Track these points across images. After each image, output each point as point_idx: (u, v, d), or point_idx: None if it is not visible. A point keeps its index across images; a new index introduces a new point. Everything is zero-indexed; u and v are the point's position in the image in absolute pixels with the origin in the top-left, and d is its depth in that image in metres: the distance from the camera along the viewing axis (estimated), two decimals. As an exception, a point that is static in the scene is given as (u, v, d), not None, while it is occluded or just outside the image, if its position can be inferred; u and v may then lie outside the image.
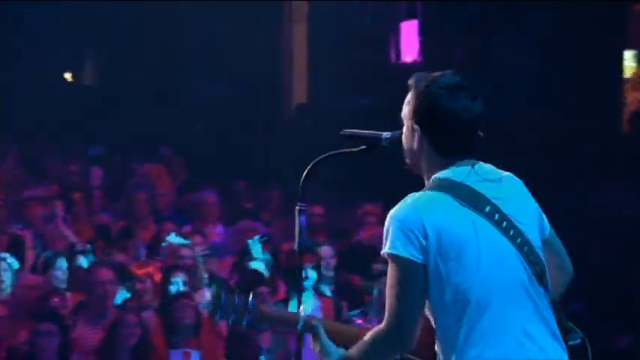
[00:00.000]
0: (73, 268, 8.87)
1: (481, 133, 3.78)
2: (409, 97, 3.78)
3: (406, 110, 3.80)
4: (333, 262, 8.95)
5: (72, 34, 15.50)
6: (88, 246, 9.26)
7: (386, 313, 3.68)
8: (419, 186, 3.79)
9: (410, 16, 13.01)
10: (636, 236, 10.71)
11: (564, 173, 11.38)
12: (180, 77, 15.47)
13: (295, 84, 15.62)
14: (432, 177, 3.74)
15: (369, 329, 3.81)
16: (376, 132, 4.06)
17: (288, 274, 8.74)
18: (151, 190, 10.99)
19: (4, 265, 8.76)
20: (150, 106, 14.66)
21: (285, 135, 14.13)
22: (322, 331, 3.91)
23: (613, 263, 10.63)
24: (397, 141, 3.92)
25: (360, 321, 7.96)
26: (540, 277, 3.67)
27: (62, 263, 8.83)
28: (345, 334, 3.95)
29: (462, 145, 3.74)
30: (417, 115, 3.73)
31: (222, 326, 8.39)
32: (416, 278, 3.61)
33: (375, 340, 3.73)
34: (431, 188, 3.71)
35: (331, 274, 8.93)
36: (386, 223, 3.68)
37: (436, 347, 3.73)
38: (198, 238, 9.24)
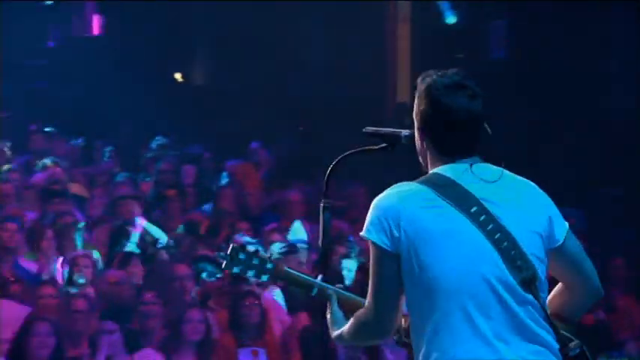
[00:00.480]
0: (153, 264, 9.02)
1: (489, 130, 3.75)
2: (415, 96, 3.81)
3: (413, 110, 3.82)
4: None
5: (182, 35, 15.76)
6: (171, 242, 9.41)
7: (367, 298, 3.76)
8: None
9: (498, 16, 12.92)
10: None
11: None
12: (288, 77, 15.56)
13: (399, 83, 15.62)
14: (431, 172, 3.75)
15: None
16: (396, 130, 4.12)
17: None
18: (239, 188, 11.08)
19: (87, 260, 8.95)
20: (256, 106, 14.79)
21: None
22: (335, 300, 4.06)
23: None
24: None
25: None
26: (527, 283, 3.60)
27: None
28: (356, 306, 3.96)
29: (461, 144, 3.73)
30: (419, 114, 3.76)
31: (299, 322, 8.46)
32: (387, 265, 3.65)
33: (357, 324, 3.84)
34: (419, 181, 3.71)
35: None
36: (370, 209, 3.72)
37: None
38: (276, 237, 9.29)
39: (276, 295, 8.81)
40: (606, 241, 10.64)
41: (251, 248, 4.22)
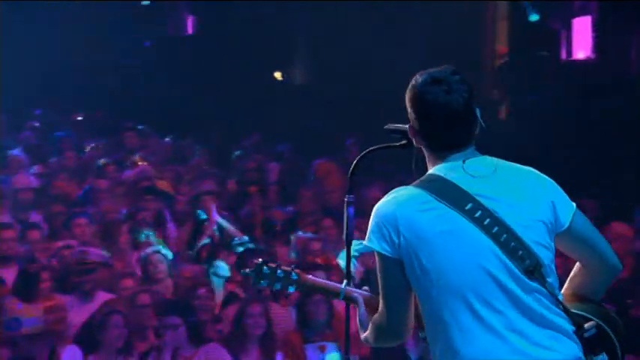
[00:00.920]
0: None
1: (482, 123, 3.76)
2: None
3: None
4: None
5: (282, 34, 15.92)
6: (245, 238, 9.51)
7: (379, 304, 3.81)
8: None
9: (583, 12, 12.71)
10: None
11: None
12: (383, 77, 15.56)
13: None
14: (427, 173, 3.76)
15: None
16: None
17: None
18: (321, 186, 11.13)
19: (159, 256, 9.13)
20: (353, 106, 14.87)
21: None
22: (361, 303, 4.09)
23: None
24: None
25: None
26: (531, 272, 3.60)
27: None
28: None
29: (449, 140, 3.72)
30: (410, 114, 3.78)
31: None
32: (392, 271, 3.67)
33: (374, 329, 3.89)
34: (414, 185, 3.72)
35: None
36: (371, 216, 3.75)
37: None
38: (356, 234, 9.27)
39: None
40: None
41: (273, 263, 4.28)
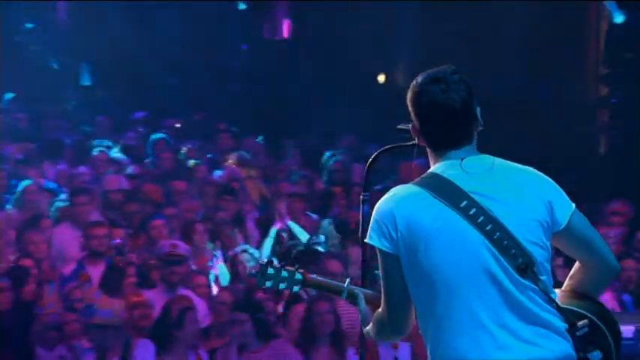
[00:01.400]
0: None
1: (481, 122, 3.85)
2: None
3: None
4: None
5: (385, 35, 16.00)
6: (322, 237, 9.66)
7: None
8: None
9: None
10: None
11: None
12: (488, 79, 15.52)
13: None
14: (427, 171, 3.86)
15: None
16: None
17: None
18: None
19: (246, 256, 9.34)
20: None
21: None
22: (362, 299, 4.23)
23: None
24: None
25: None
26: (524, 269, 3.67)
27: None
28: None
29: (448, 138, 3.81)
30: (411, 113, 3.89)
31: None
32: (392, 266, 3.78)
33: (376, 324, 4.00)
34: (414, 183, 3.82)
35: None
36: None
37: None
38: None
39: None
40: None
41: (277, 263, 4.43)
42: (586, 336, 3.81)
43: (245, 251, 9.44)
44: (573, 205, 3.82)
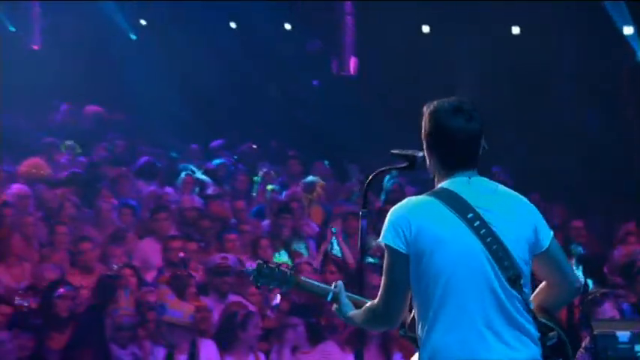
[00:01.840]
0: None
1: (485, 146, 4.38)
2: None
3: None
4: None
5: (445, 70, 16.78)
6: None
7: (379, 292, 4.36)
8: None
9: None
10: None
11: None
12: (535, 103, 16.23)
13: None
14: (438, 186, 4.35)
15: None
16: (415, 151, 4.75)
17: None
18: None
19: (307, 266, 10.10)
20: (509, 131, 15.56)
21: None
22: (344, 295, 4.68)
23: None
24: None
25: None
26: (513, 281, 4.18)
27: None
28: (362, 305, 4.55)
29: (461, 160, 4.30)
30: (426, 136, 4.35)
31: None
32: (401, 265, 4.22)
33: (368, 312, 4.46)
34: (427, 194, 4.32)
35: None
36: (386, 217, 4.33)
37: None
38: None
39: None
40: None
41: (273, 263, 4.83)
42: (554, 346, 4.32)
43: (308, 263, 10.04)
44: (552, 231, 4.34)
